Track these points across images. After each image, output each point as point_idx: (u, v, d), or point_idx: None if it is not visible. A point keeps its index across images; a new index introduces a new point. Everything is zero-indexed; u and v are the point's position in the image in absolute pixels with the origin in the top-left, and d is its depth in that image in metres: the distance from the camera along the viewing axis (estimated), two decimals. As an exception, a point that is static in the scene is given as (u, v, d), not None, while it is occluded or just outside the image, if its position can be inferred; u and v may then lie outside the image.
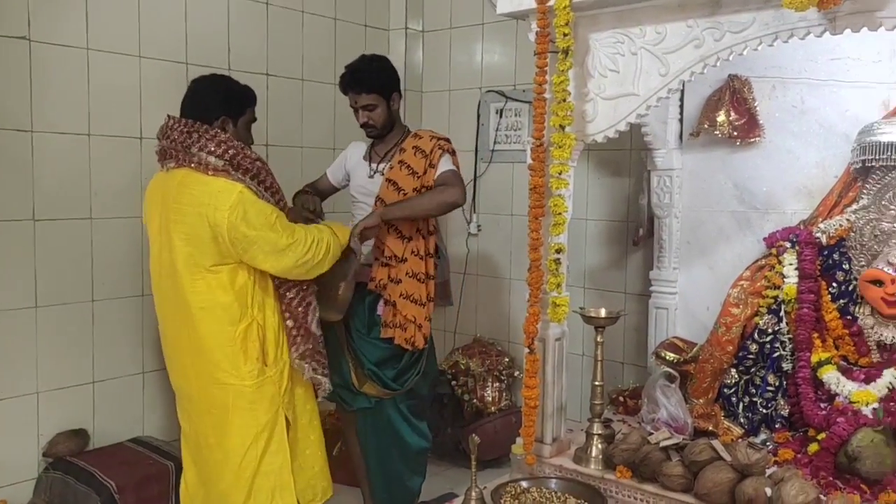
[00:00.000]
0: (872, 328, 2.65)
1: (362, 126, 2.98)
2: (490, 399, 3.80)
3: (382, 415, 2.96)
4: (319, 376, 2.74)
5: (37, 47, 2.85)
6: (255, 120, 2.76)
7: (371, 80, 2.92)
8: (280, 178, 2.70)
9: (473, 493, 2.35)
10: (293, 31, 3.74)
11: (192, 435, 2.66)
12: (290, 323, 2.64)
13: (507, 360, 3.91)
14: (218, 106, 2.62)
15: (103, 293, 3.08)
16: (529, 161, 2.51)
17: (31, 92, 2.84)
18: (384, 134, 3.01)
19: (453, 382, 3.86)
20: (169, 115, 2.59)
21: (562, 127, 2.41)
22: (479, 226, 4.11)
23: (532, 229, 2.49)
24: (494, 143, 4.02)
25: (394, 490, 3.05)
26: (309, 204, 2.98)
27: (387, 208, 2.85)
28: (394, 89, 2.98)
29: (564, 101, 2.39)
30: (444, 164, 2.90)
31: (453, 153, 2.97)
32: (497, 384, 3.85)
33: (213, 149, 2.47)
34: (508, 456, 2.77)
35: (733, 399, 2.83)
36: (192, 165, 2.48)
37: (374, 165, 3.01)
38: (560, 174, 2.43)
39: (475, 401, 3.79)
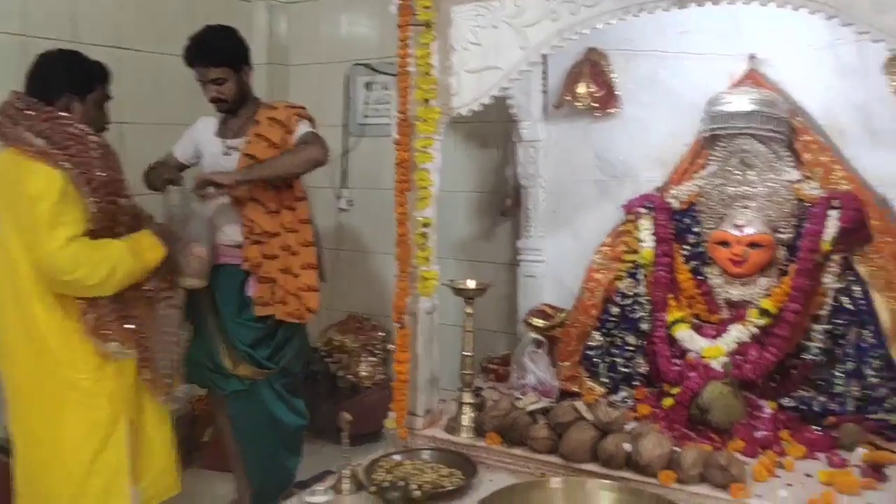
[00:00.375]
0: (721, 287, 2.82)
1: (211, 101, 2.87)
2: (365, 374, 3.81)
3: (257, 396, 2.90)
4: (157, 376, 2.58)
5: None
6: (108, 98, 2.59)
7: (220, 52, 2.81)
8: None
9: (347, 471, 2.34)
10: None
11: (18, 431, 2.50)
12: None
13: (381, 334, 3.92)
14: (61, 83, 2.44)
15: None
16: (395, 136, 2.49)
17: None
18: (236, 108, 2.90)
19: (328, 359, 3.84)
20: (13, 91, 2.41)
21: (426, 101, 2.40)
22: (349, 201, 4.07)
23: (398, 203, 2.48)
24: (363, 117, 3.98)
25: (271, 471, 2.99)
26: (165, 174, 2.87)
27: (245, 169, 2.75)
28: (244, 61, 2.88)
29: (428, 74, 2.38)
30: (303, 128, 2.85)
31: (311, 120, 2.92)
32: (372, 359, 3.86)
33: (41, 129, 2.31)
34: (384, 429, 2.77)
35: (596, 360, 2.94)
36: (17, 146, 2.32)
37: (228, 142, 2.89)
38: (425, 148, 2.42)
39: (350, 377, 3.79)
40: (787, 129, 2.71)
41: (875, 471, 2.22)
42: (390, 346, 3.80)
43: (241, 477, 3.06)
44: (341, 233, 4.09)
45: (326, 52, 4.07)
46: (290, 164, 2.76)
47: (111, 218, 2.45)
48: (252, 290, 2.85)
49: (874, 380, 2.49)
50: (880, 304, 2.52)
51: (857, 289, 2.56)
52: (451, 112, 2.50)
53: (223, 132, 2.93)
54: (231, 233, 2.84)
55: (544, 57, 2.66)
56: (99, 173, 2.39)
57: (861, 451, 2.33)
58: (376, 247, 4.00)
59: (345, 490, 2.30)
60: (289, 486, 2.96)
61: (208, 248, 2.77)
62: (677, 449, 2.26)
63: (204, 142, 2.96)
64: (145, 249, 2.50)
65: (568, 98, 3.09)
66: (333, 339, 3.88)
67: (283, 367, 2.92)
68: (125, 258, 2.43)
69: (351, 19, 3.99)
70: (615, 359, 2.92)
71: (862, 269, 2.57)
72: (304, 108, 2.91)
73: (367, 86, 3.94)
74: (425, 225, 2.45)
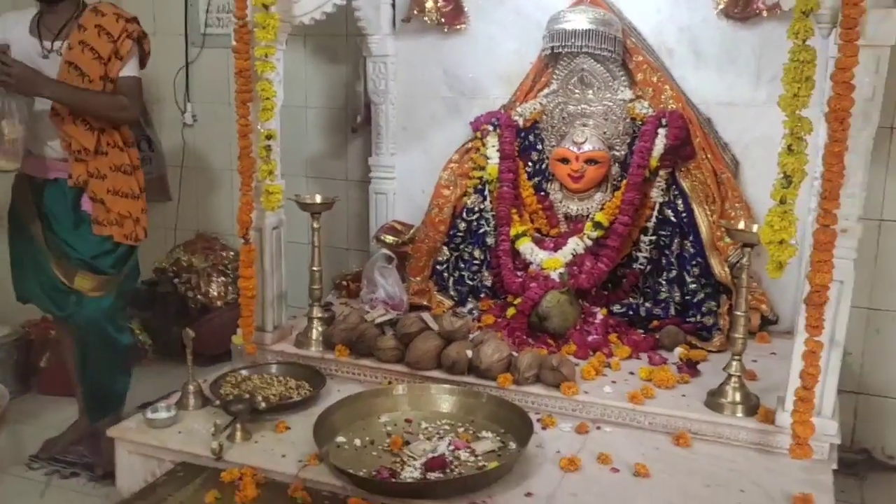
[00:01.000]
0: (561, 202, 2.95)
1: None
2: (215, 294, 3.72)
3: (92, 315, 2.76)
4: None
5: None
6: None
7: None
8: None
9: (191, 387, 2.32)
10: None
11: None
12: None
13: (231, 253, 3.83)
14: None
15: None
16: (234, 43, 2.39)
17: None
18: (54, 2, 2.61)
19: (175, 280, 3.72)
20: None
21: (265, 6, 2.31)
22: (194, 116, 3.88)
23: (240, 115, 2.41)
24: (206, 26, 3.77)
25: (104, 391, 2.88)
26: None
27: (57, 84, 2.54)
28: None
29: (266, -23, 2.28)
30: (131, 64, 2.65)
31: (142, 39, 2.69)
32: (222, 278, 3.77)
33: None
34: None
35: (445, 275, 3.04)
36: None
37: (47, 43, 2.61)
38: (266, 57, 2.35)
39: (200, 297, 3.69)
40: (621, 50, 2.82)
41: (690, 367, 2.45)
42: (241, 266, 3.75)
43: (82, 401, 2.95)
44: (187, 149, 3.92)
45: (164, -47, 3.79)
46: (102, 109, 2.59)
47: None
48: (87, 205, 2.71)
49: (693, 286, 2.72)
50: (700, 216, 2.72)
51: (679, 202, 2.75)
52: (292, 20, 2.43)
53: (39, 31, 2.63)
54: (57, 146, 2.65)
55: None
56: None
57: (679, 350, 2.56)
58: (224, 163, 3.87)
59: (190, 405, 2.29)
60: (119, 408, 2.89)
61: (22, 127, 2.53)
62: (515, 353, 2.40)
63: (15, 39, 2.62)
64: None
65: (416, 12, 3.07)
66: (181, 259, 3.75)
67: (124, 274, 2.80)
68: None
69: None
70: (462, 273, 3.02)
71: (685, 184, 2.76)
72: (135, 19, 2.67)
73: (209, -8, 3.72)
74: (269, 137, 2.39)
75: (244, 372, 2.46)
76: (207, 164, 3.93)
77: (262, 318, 2.67)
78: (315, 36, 3.50)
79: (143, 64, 2.73)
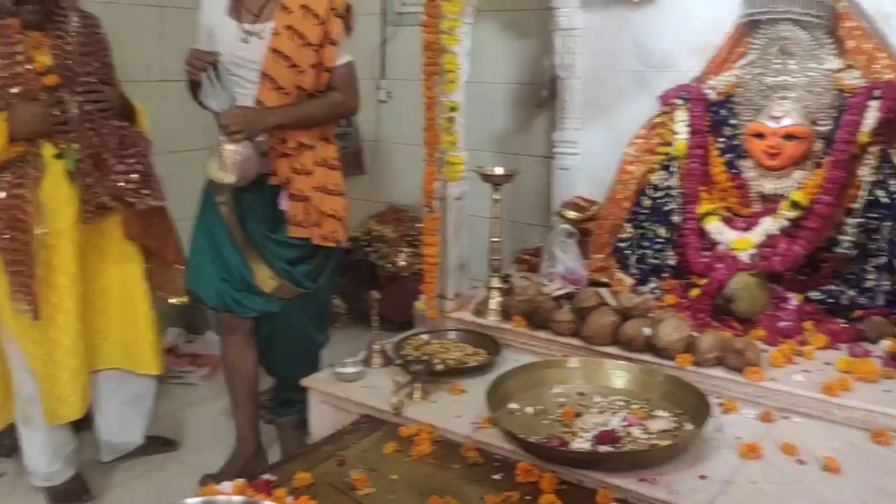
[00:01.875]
0: (755, 180, 2.79)
1: None
2: (403, 263, 3.90)
3: (289, 315, 2.65)
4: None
5: None
6: None
7: None
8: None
9: (376, 346, 2.46)
10: None
11: None
12: None
13: (419, 225, 3.97)
14: None
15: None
16: (423, 17, 2.48)
17: None
18: None
19: (367, 249, 3.94)
20: None
21: (453, -19, 2.37)
22: (388, 92, 4.07)
23: (426, 87, 2.50)
24: (401, 4, 3.92)
25: (288, 390, 2.79)
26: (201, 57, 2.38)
27: (275, 112, 2.39)
28: None
29: (455, -47, 2.34)
30: (343, 48, 2.48)
31: (347, 14, 2.48)
32: (410, 249, 3.94)
33: None
34: (417, 317, 2.88)
35: (627, 252, 2.97)
36: None
37: (245, 26, 2.40)
38: (452, 30, 2.41)
39: (389, 266, 3.89)
40: (830, 15, 2.60)
41: (896, 361, 2.24)
42: (428, 237, 3.89)
43: (249, 407, 2.75)
44: (380, 124, 4.12)
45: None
46: (323, 117, 2.47)
47: None
48: (285, 204, 2.53)
49: (905, 274, 2.48)
50: (917, 198, 2.47)
51: (893, 182, 2.51)
52: (479, -7, 2.47)
53: (238, 12, 2.43)
54: (258, 141, 2.45)
55: (582, -61, 2.58)
56: None
57: (886, 343, 2.34)
58: (415, 138, 3.99)
59: (374, 364, 2.43)
60: (303, 403, 2.68)
61: (250, 142, 2.38)
62: (695, 334, 2.31)
63: (215, 24, 2.45)
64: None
65: (607, -18, 3.01)
66: (373, 230, 3.97)
67: (320, 286, 2.67)
68: None
69: None
70: (645, 251, 2.94)
71: (900, 162, 2.50)
72: None
73: (406, -29, 3.87)
74: (452, 109, 2.46)
75: (425, 336, 2.57)
76: (399, 139, 4.11)
77: (443, 285, 2.76)
78: (504, 11, 3.54)
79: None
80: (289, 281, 2.57)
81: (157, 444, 2.94)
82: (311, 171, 2.50)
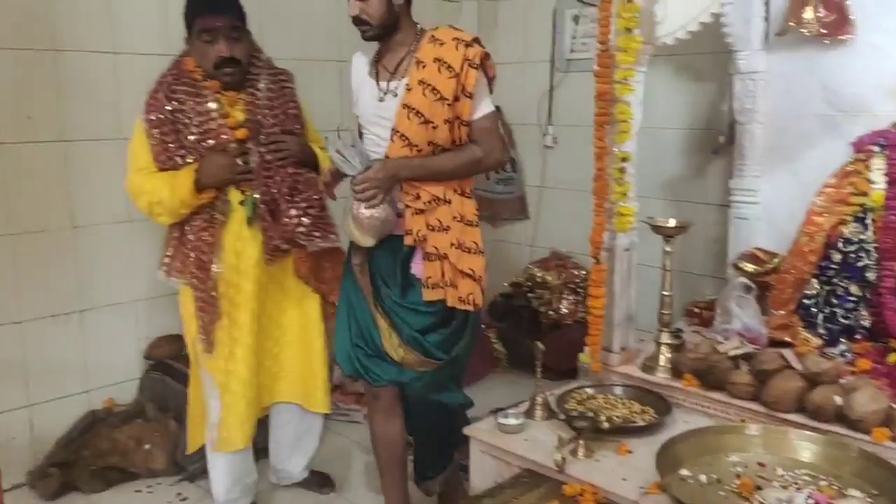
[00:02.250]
0: (967, 236, 2.50)
1: (354, 22, 2.28)
2: (566, 311, 3.84)
3: (417, 389, 2.45)
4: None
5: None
6: (208, 31, 2.40)
7: None
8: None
9: (539, 398, 2.41)
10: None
11: None
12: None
13: (583, 272, 3.91)
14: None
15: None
16: (595, 67, 2.45)
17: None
18: (385, 35, 2.30)
19: (530, 295, 3.91)
20: None
21: (628, 30, 2.33)
22: (554, 138, 4.05)
23: (597, 137, 2.45)
24: (570, 52, 3.92)
25: (430, 454, 2.66)
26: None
27: (408, 166, 2.27)
28: None
29: (630, 2, 2.30)
30: (482, 100, 2.28)
31: (485, 64, 2.26)
32: (573, 296, 3.87)
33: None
34: (580, 367, 2.81)
35: (813, 310, 2.74)
36: None
37: (383, 84, 2.32)
38: (626, 80, 2.36)
39: (551, 312, 3.84)
40: None
41: None
42: (591, 285, 3.81)
43: (394, 480, 2.60)
44: (546, 169, 4.10)
45: (536, -16, 4.04)
46: (460, 171, 2.31)
47: (168, 154, 2.48)
48: (418, 268, 2.35)
49: None
50: None
51: None
52: (654, 41, 2.41)
53: (377, 71, 2.36)
54: (392, 199, 2.31)
55: (766, -22, 2.46)
56: (154, 115, 2.46)
57: None
58: (580, 184, 3.95)
59: (537, 416, 2.38)
60: (448, 465, 2.65)
61: (386, 203, 2.27)
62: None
63: (359, 83, 2.42)
64: (178, 185, 2.44)
65: (793, 24, 2.83)
66: (535, 275, 3.94)
67: (454, 356, 2.43)
68: (159, 190, 2.45)
69: (562, -50, 3.91)
70: (835, 309, 2.70)
71: None
72: (477, 40, 2.27)
73: (575, 19, 3.86)
74: (624, 159, 2.40)
75: (589, 390, 2.49)
76: (564, 185, 4.07)
77: (609, 338, 2.68)
78: (677, 55, 3.43)
79: (490, 88, 2.34)
80: (419, 351, 2.37)
81: (318, 480, 3.02)
82: (448, 227, 2.31)
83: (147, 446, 2.99)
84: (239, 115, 2.52)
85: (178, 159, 2.48)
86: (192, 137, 2.47)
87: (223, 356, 2.56)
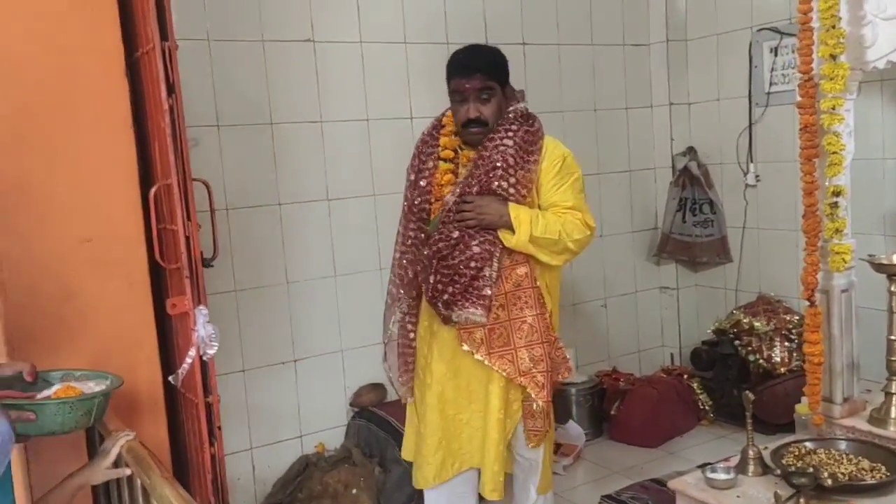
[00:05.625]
0: None
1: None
2: (778, 360, 3.57)
3: None
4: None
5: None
6: (459, 92, 2.38)
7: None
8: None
9: (751, 452, 2.26)
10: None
11: None
12: None
13: (795, 318, 3.63)
14: None
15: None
16: (797, 98, 2.31)
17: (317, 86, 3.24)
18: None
19: (736, 342, 3.68)
20: None
21: (832, 57, 2.18)
22: (757, 176, 3.84)
23: (805, 172, 2.30)
24: (770, 84, 3.72)
25: None
26: None
27: None
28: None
29: (834, 27, 2.16)
30: None
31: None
32: (786, 343, 3.60)
33: None
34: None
35: None
36: None
37: None
38: (834, 109, 2.21)
39: (762, 361, 3.59)
40: None
41: None
42: (806, 331, 3.53)
43: None
44: (749, 209, 3.89)
45: (727, 20, 3.88)
46: None
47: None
48: None
49: None
50: None
51: None
52: (864, 66, 2.24)
53: None
54: None
55: None
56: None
57: None
58: (787, 223, 3.72)
59: (749, 471, 2.23)
60: None
61: None
62: None
63: None
64: None
65: None
66: (742, 321, 3.70)
67: None
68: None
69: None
70: None
71: None
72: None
73: (773, 51, 3.67)
74: (836, 194, 2.23)
75: (809, 444, 2.29)
76: (770, 224, 3.84)
77: (829, 387, 2.46)
78: (892, 80, 3.16)
79: None
80: None
81: None
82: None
83: (354, 490, 3.12)
84: (463, 172, 2.43)
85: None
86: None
87: (417, 399, 2.59)
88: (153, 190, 1.80)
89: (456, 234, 2.32)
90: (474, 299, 2.28)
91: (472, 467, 2.52)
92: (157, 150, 1.84)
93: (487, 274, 2.30)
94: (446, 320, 2.35)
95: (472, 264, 2.29)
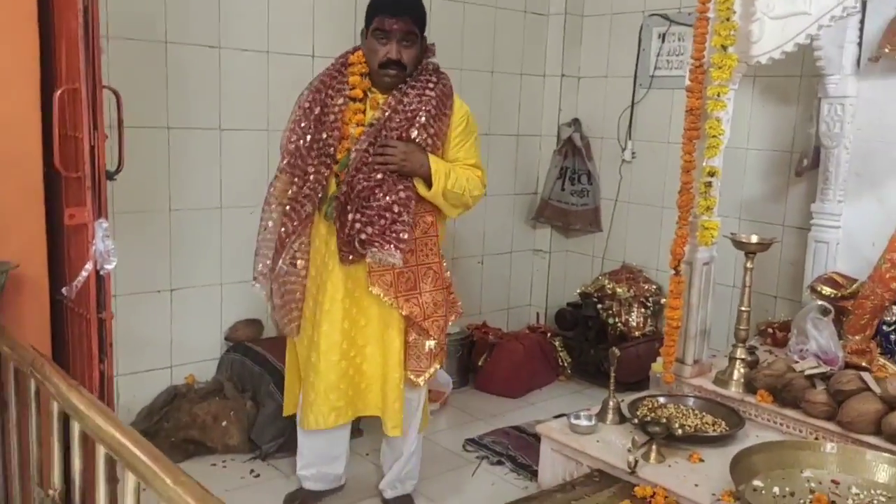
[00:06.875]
0: None
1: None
2: (634, 324, 3.86)
3: None
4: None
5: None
6: (383, 31, 2.35)
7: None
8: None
9: (611, 403, 2.46)
10: None
11: None
12: None
13: (654, 287, 3.93)
14: None
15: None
16: (687, 83, 2.49)
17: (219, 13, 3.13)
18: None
19: (599, 306, 3.94)
20: None
21: (724, 47, 2.37)
22: (633, 153, 4.08)
23: (685, 151, 2.49)
24: (655, 68, 3.95)
25: None
26: None
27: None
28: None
29: (728, 20, 2.34)
30: None
31: None
32: (643, 310, 3.89)
33: None
34: (648, 379, 2.84)
35: (892, 337, 2.73)
36: None
37: None
38: (718, 96, 2.40)
39: (619, 324, 3.86)
40: None
41: None
42: (663, 301, 3.83)
43: None
44: (623, 184, 4.13)
45: (622, 1, 4.07)
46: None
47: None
48: None
49: None
50: None
51: None
52: (749, 60, 2.44)
53: None
54: None
55: (863, 4, 2.47)
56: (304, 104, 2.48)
57: None
58: (655, 199, 3.99)
59: (608, 420, 2.42)
60: None
61: None
62: (979, 435, 2.07)
63: None
64: None
65: (887, 50, 2.83)
66: (606, 286, 3.96)
67: None
68: None
69: (648, -31, 3.95)
70: (915, 337, 2.69)
71: None
72: None
73: (661, 37, 3.89)
74: (711, 174, 2.44)
75: (662, 399, 2.52)
76: (638, 200, 4.09)
77: (682, 350, 2.70)
78: (766, 76, 3.44)
79: None
80: None
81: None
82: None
83: (224, 423, 3.10)
84: (371, 115, 2.45)
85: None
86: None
87: (307, 336, 2.59)
88: (58, 93, 1.71)
89: (379, 175, 2.35)
90: (395, 242, 2.33)
91: (370, 415, 2.59)
92: (63, 52, 1.74)
93: (406, 219, 2.36)
94: (354, 260, 2.38)
95: (396, 208, 2.35)
